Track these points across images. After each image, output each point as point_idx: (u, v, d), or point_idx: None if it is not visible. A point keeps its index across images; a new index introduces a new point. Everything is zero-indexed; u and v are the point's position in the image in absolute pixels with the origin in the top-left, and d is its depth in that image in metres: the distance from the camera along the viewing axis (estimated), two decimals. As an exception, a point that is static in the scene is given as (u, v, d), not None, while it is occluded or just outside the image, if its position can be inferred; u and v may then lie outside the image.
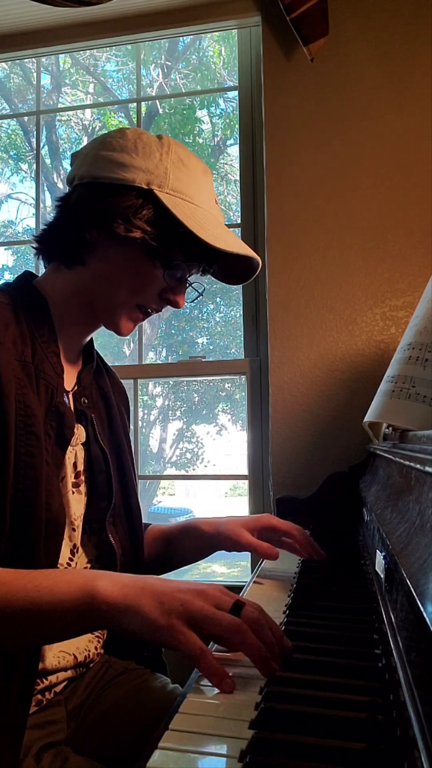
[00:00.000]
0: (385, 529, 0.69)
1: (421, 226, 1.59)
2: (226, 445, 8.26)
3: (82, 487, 0.89)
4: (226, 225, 0.94)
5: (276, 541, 1.01)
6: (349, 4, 1.67)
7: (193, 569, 5.54)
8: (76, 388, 0.91)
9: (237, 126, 1.92)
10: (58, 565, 0.83)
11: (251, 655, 0.56)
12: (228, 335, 7.17)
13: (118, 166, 0.83)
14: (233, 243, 0.86)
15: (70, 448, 0.85)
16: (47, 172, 6.28)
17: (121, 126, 3.67)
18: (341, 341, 1.62)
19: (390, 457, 0.89)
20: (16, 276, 0.91)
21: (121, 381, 1.09)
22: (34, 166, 2.18)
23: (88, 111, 6.65)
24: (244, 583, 0.99)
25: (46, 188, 6.32)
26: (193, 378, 1.89)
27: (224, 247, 0.83)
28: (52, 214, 0.91)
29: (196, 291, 0.94)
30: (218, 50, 5.85)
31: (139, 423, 2.00)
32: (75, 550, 0.87)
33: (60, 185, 6.25)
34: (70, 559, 0.86)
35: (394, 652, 0.54)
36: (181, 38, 5.22)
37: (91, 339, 0.97)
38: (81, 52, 2.19)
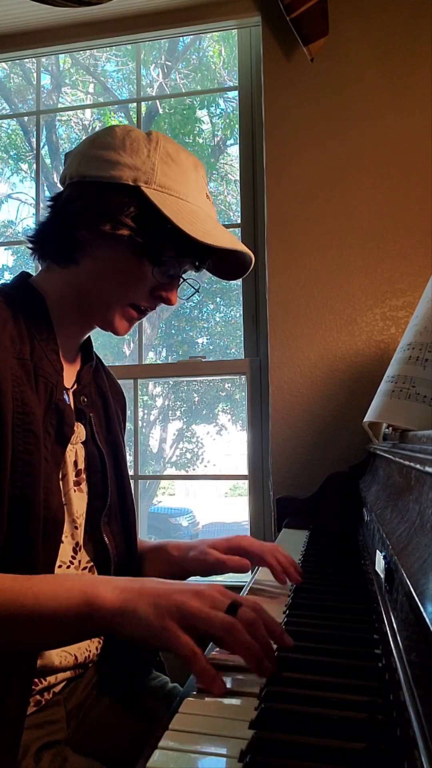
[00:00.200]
0: (385, 529, 0.69)
1: (421, 226, 1.59)
2: (226, 445, 8.27)
3: (84, 486, 0.89)
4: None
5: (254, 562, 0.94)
6: (349, 4, 1.67)
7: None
8: (75, 386, 0.91)
9: (237, 126, 1.92)
10: (61, 564, 0.83)
11: (243, 654, 0.56)
12: (228, 335, 7.18)
13: (107, 163, 0.82)
14: (223, 238, 0.85)
15: (70, 446, 0.85)
16: (47, 172, 6.28)
17: (121, 126, 3.67)
18: (341, 341, 1.62)
19: (390, 457, 0.89)
20: (14, 276, 0.91)
21: (119, 382, 1.09)
22: (34, 166, 2.18)
23: (88, 111, 6.65)
24: (244, 584, 0.99)
25: (46, 188, 6.31)
26: (193, 378, 1.89)
27: (213, 242, 0.82)
28: (44, 214, 0.91)
29: (192, 287, 0.94)
30: (218, 50, 5.86)
31: (139, 423, 2.00)
32: (78, 549, 0.87)
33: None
34: (73, 557, 0.86)
35: (394, 652, 0.54)
36: (181, 38, 5.23)
37: (90, 338, 0.96)
38: (81, 52, 2.19)
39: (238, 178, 1.90)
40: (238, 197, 1.88)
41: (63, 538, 0.83)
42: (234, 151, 6.54)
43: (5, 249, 7.53)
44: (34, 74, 2.21)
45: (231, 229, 1.86)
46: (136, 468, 1.85)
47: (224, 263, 0.94)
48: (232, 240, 0.88)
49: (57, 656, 0.81)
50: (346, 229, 1.64)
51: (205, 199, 0.89)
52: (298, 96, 1.69)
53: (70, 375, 0.90)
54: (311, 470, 1.58)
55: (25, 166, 6.67)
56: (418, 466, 0.65)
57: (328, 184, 1.66)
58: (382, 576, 0.67)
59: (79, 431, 0.89)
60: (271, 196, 1.69)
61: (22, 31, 1.96)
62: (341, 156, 1.66)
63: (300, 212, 1.67)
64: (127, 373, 1.85)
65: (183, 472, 8.84)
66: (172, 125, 5.93)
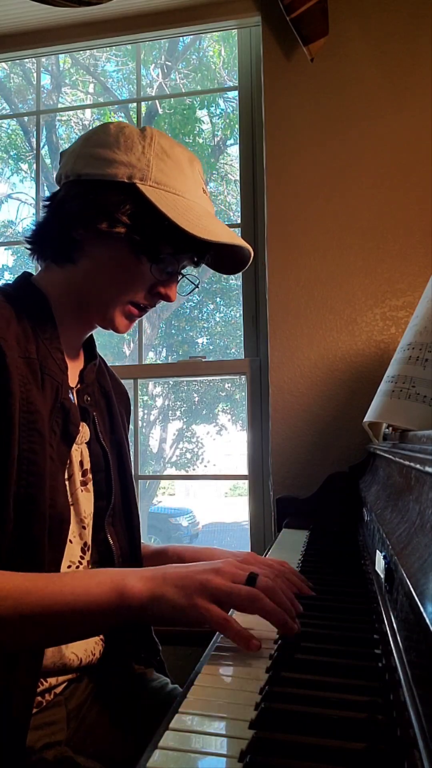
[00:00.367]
0: (385, 529, 0.69)
1: (421, 226, 1.59)
2: (226, 445, 8.26)
3: (90, 486, 0.89)
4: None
5: None
6: (349, 4, 1.67)
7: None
8: (79, 385, 0.91)
9: (237, 126, 1.92)
10: (70, 564, 0.83)
11: (271, 620, 0.62)
12: (228, 335, 7.17)
13: (101, 161, 0.82)
14: (220, 233, 0.84)
15: (75, 446, 0.85)
16: (47, 172, 6.26)
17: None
18: (341, 341, 1.62)
19: (390, 457, 0.89)
20: (15, 276, 0.91)
21: (122, 382, 1.09)
22: (34, 166, 2.18)
23: (88, 111, 6.64)
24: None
25: (46, 188, 6.29)
26: (193, 378, 1.89)
27: (210, 237, 0.81)
28: (41, 214, 0.91)
29: (192, 283, 0.93)
30: (218, 50, 5.85)
31: (139, 423, 2.00)
32: (86, 549, 0.87)
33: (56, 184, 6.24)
34: (81, 557, 0.86)
35: (394, 652, 0.54)
36: (181, 38, 5.23)
37: (92, 337, 0.96)
38: (81, 52, 2.19)
39: (238, 178, 1.90)
40: (238, 197, 1.88)
41: (71, 538, 0.83)
42: (234, 151, 6.54)
43: (5, 249, 7.53)
44: (34, 74, 2.21)
45: (231, 229, 1.85)
46: (136, 468, 1.85)
47: (223, 258, 0.93)
48: (229, 234, 0.87)
49: (69, 655, 0.81)
50: (346, 229, 1.64)
51: (201, 194, 0.88)
52: (298, 96, 1.69)
53: (73, 374, 0.90)
54: (311, 470, 1.58)
55: (25, 166, 6.66)
56: (418, 466, 0.65)
57: (328, 184, 1.66)
58: (382, 576, 0.67)
59: (84, 431, 0.88)
60: (271, 196, 1.69)
61: (22, 31, 1.96)
62: (341, 156, 1.66)
63: (300, 212, 1.67)
64: (127, 373, 1.85)
65: (183, 472, 8.83)
66: (172, 125, 5.93)
